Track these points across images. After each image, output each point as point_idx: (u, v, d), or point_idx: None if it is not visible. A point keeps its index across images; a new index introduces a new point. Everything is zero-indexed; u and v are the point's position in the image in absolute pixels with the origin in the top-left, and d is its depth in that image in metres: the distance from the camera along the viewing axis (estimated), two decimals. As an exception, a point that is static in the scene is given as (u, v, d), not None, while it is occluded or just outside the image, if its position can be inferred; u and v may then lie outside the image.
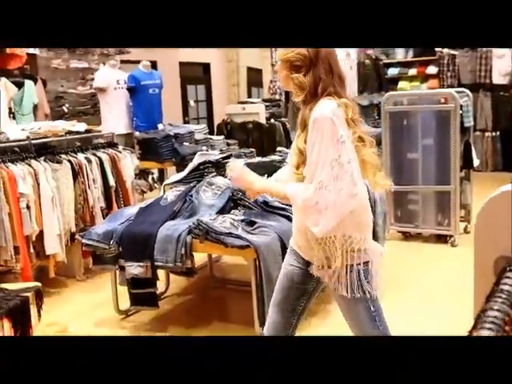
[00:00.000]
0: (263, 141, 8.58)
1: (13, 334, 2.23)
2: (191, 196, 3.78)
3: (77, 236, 3.98)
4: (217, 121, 9.85)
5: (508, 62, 8.66)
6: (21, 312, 2.28)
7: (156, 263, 3.41)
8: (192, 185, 3.90)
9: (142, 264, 3.43)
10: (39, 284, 2.48)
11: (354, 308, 2.07)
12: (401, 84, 9.44)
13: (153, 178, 6.75)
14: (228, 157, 4.50)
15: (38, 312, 2.59)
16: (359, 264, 2.00)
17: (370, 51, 8.70)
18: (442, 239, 5.38)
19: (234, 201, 3.74)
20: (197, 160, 4.38)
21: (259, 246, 3.16)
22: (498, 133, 8.88)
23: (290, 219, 3.48)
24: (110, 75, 6.57)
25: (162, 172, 7.68)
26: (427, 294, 4.13)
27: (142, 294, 3.55)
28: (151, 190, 6.71)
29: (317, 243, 2.01)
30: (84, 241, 3.64)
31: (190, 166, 4.41)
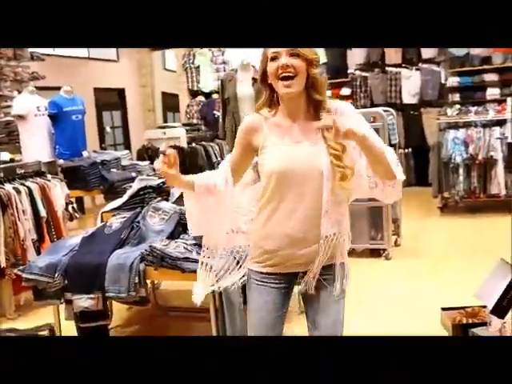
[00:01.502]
0: (185, 164, 8.51)
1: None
2: (138, 222, 3.66)
3: (15, 271, 3.72)
4: (134, 146, 9.67)
5: (416, 83, 9.15)
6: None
7: (108, 294, 3.25)
8: (137, 210, 3.77)
9: (92, 296, 3.25)
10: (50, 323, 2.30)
11: (338, 306, 2.10)
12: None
13: (73, 208, 6.49)
14: (168, 181, 4.41)
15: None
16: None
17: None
18: (375, 253, 5.54)
19: (182, 225, 3.65)
20: (136, 185, 4.25)
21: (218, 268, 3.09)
22: (410, 149, 9.30)
23: (243, 240, 3.46)
24: (29, 102, 6.28)
25: (81, 201, 7.41)
26: (369, 307, 4.22)
27: (93, 327, 3.36)
28: (71, 219, 6.44)
29: (328, 241, 2.00)
30: (24, 275, 3.41)
31: (130, 192, 4.28)
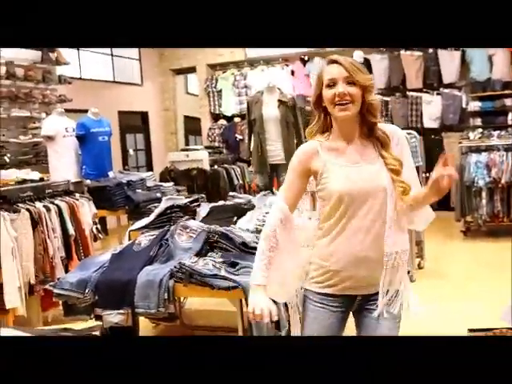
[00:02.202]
0: (208, 187, 8.61)
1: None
2: (166, 240, 3.71)
3: (46, 286, 3.79)
4: (156, 169, 9.80)
5: (437, 107, 9.18)
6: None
7: (137, 310, 3.28)
8: (166, 229, 3.83)
9: (122, 312, 3.30)
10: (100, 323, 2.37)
11: (395, 327, 2.12)
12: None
13: (97, 228, 6.58)
14: (195, 200, 4.48)
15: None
16: None
17: (310, 98, 8.98)
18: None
19: (210, 243, 3.69)
20: (164, 204, 4.33)
21: (247, 286, 3.12)
22: (431, 173, 9.28)
23: (270, 259, 3.50)
24: (58, 123, 6.43)
25: (104, 221, 7.50)
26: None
27: (122, 343, 3.41)
28: (95, 240, 6.52)
29: (391, 258, 2.03)
30: (55, 291, 3.46)
31: (157, 211, 4.35)
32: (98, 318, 3.43)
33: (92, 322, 2.43)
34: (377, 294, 2.09)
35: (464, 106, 9.07)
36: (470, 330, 3.75)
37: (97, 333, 1.95)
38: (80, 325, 2.55)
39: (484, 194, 6.85)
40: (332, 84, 2.01)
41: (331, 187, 2.05)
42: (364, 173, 2.04)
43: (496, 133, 7.26)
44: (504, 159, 6.77)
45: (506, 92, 8.84)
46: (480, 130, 7.62)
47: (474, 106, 9.01)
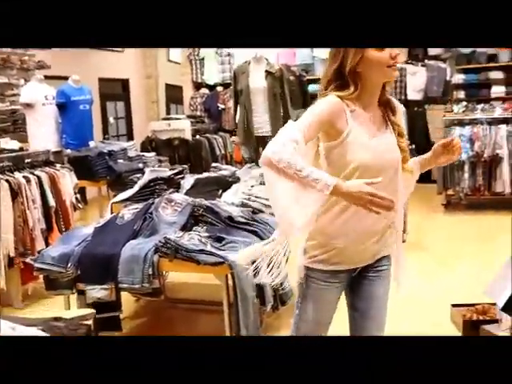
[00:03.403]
0: (189, 157, 8.50)
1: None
2: (151, 213, 3.65)
3: (28, 260, 3.72)
4: (137, 138, 9.65)
5: (422, 79, 9.13)
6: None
7: (121, 285, 3.25)
8: (150, 202, 3.77)
9: (105, 287, 3.26)
10: (93, 311, 2.30)
11: (387, 296, 2.18)
12: (321, 100, 9.69)
13: (76, 198, 6.48)
14: (179, 173, 4.41)
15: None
16: None
17: (294, 68, 8.86)
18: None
19: (195, 217, 3.65)
20: (147, 176, 4.26)
21: (233, 262, 3.09)
22: (414, 146, 9.29)
23: (256, 234, 3.47)
24: (37, 90, 6.26)
25: (83, 191, 7.39)
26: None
27: (105, 318, 3.36)
28: (74, 210, 6.42)
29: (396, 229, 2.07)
30: (37, 265, 3.41)
31: (141, 183, 4.29)
32: (81, 292, 3.38)
33: (84, 310, 2.36)
34: (376, 261, 2.11)
35: (448, 78, 9.04)
36: (454, 305, 3.79)
37: (89, 322, 1.89)
38: (71, 312, 2.48)
39: (466, 168, 6.87)
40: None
41: (350, 157, 1.92)
42: (382, 145, 1.99)
43: (480, 106, 7.24)
44: (487, 133, 6.77)
45: (491, 65, 8.83)
46: (464, 103, 7.60)
47: (458, 78, 9.00)
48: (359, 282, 2.14)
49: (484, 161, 6.78)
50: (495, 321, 3.37)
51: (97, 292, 3.26)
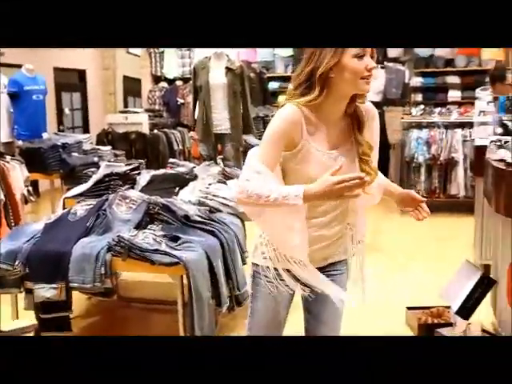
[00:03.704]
0: (147, 151, 8.36)
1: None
2: (104, 210, 3.53)
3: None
4: (93, 130, 9.44)
5: (381, 81, 9.21)
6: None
7: (71, 284, 3.14)
8: (103, 198, 3.65)
9: (55, 286, 3.13)
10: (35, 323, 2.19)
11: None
12: (281, 98, 9.67)
13: (28, 190, 6.28)
14: (135, 168, 4.29)
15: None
16: None
17: (254, 64, 8.82)
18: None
19: (150, 215, 3.55)
20: (102, 171, 4.13)
21: (188, 262, 3.02)
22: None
23: (213, 234, 3.40)
24: (-13, 79, 6.02)
25: (36, 183, 7.18)
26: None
27: (54, 318, 3.23)
28: (26, 203, 6.23)
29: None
30: (-18, 262, 3.26)
31: (95, 178, 4.16)
32: (29, 291, 3.25)
33: (25, 322, 2.25)
34: (329, 265, 2.07)
35: (407, 80, 9.15)
36: (409, 308, 3.81)
37: (31, 334, 1.80)
38: (11, 324, 2.36)
39: (423, 170, 6.95)
40: (361, 55, 1.77)
41: (304, 171, 1.87)
42: (337, 161, 1.87)
43: (437, 110, 7.34)
44: (443, 136, 6.86)
45: (448, 69, 8.98)
46: (422, 106, 7.69)
47: (416, 81, 9.12)
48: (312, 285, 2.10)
49: (440, 164, 6.87)
50: (449, 324, 3.39)
51: (45, 291, 3.13)
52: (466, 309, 3.34)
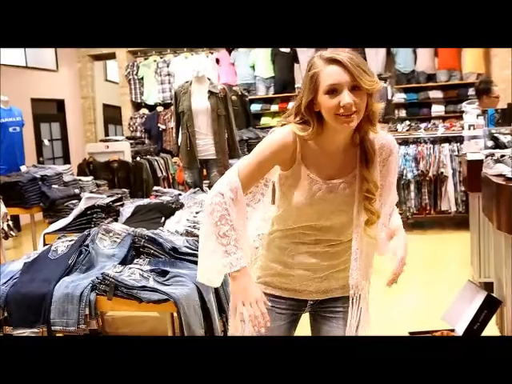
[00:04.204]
0: (130, 180, 8.19)
1: None
2: (87, 246, 3.34)
3: None
4: (73, 160, 9.26)
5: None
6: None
7: (54, 328, 2.93)
8: (85, 233, 3.46)
9: (36, 330, 2.92)
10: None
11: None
12: (264, 120, 9.58)
13: (8, 225, 6.06)
14: (118, 200, 4.11)
15: None
16: None
17: (235, 87, 8.71)
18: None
19: (136, 249, 3.37)
20: (83, 204, 3.95)
21: (178, 299, 2.83)
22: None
23: (203, 266, 3.21)
24: (-39, 112, 5.84)
25: (16, 217, 6.98)
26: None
27: (36, 364, 3.02)
28: (6, 238, 6.01)
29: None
30: (-43, 307, 3.05)
31: (76, 212, 3.98)
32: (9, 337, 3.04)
33: None
34: (331, 300, 1.94)
35: (389, 97, 9.09)
36: (411, 333, 3.64)
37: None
38: None
39: (412, 187, 6.85)
40: (334, 90, 1.65)
41: (292, 199, 1.80)
42: (334, 195, 1.78)
43: (423, 125, 7.27)
44: (431, 152, 6.78)
45: (430, 84, 8.95)
46: (407, 122, 7.62)
47: (399, 97, 9.07)
48: (316, 320, 2.01)
49: (429, 179, 6.77)
50: (455, 349, 3.23)
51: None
52: (473, 331, 3.19)
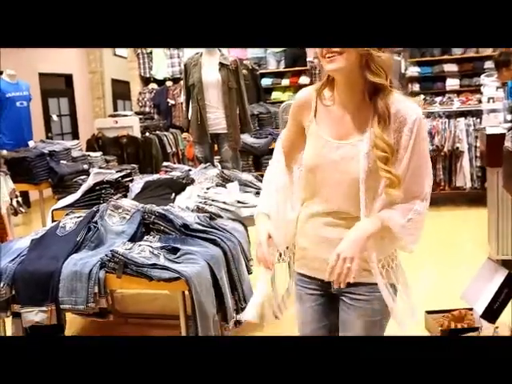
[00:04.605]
0: (139, 155, 8.09)
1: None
2: (95, 222, 3.26)
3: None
4: (82, 136, 9.17)
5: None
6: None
7: (62, 306, 2.86)
8: (94, 209, 3.37)
9: (44, 309, 2.86)
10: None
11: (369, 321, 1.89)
12: (274, 94, 9.44)
13: (17, 201, 6.01)
14: (127, 175, 4.01)
15: None
16: None
17: (246, 61, 8.55)
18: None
19: (146, 225, 3.28)
20: (92, 180, 3.85)
21: (190, 277, 2.74)
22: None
23: (215, 243, 3.13)
24: (-33, 86, 5.74)
25: (26, 193, 6.92)
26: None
27: (45, 343, 2.96)
28: (16, 214, 5.96)
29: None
30: (-36, 284, 2.98)
31: (84, 187, 3.89)
32: (17, 315, 2.97)
33: None
34: (353, 285, 1.75)
35: (403, 71, 8.90)
36: (428, 312, 3.55)
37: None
38: None
39: (427, 162, 6.69)
40: None
41: (304, 156, 1.84)
42: (338, 153, 1.72)
43: (438, 99, 7.08)
44: (446, 126, 6.61)
45: (445, 57, 8.74)
46: (422, 96, 7.44)
47: (413, 71, 8.88)
48: (336, 305, 1.88)
49: (444, 155, 6.62)
50: (475, 328, 3.14)
51: (34, 315, 2.86)
52: (493, 311, 3.09)
